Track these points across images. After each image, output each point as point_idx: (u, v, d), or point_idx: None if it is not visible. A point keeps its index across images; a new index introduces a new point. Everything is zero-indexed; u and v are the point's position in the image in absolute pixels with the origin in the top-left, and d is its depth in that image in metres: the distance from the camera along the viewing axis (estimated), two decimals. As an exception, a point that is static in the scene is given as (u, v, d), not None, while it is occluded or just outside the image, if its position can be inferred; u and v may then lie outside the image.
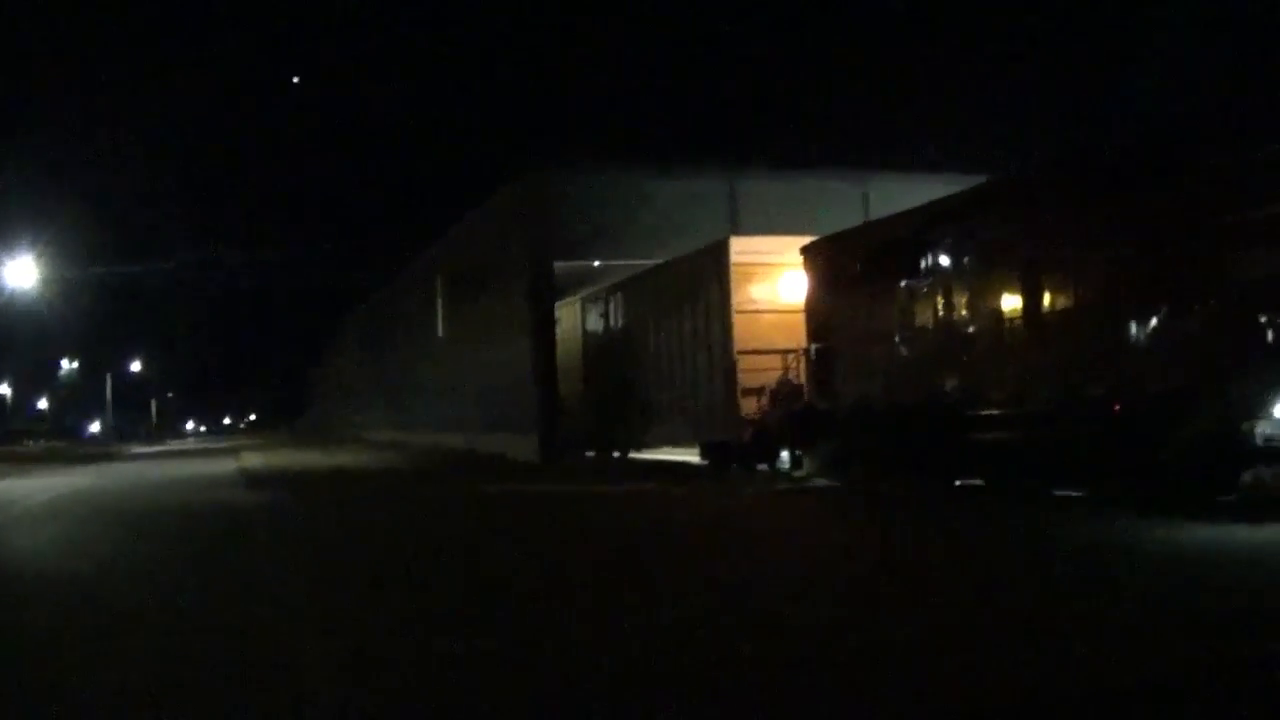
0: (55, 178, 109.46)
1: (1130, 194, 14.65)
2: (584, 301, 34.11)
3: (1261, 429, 12.98)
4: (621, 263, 32.28)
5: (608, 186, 34.75)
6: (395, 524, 18.88)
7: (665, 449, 30.06)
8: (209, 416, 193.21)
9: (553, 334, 34.38)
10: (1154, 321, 14.34)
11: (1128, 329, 14.69)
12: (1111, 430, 14.74)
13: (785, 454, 23.19)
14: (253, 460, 45.41)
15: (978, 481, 17.94)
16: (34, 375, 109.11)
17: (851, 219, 27.86)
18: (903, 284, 18.80)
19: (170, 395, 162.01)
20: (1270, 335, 13.05)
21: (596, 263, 33.87)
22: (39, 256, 52.36)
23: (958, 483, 18.25)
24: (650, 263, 29.59)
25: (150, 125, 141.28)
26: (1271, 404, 12.95)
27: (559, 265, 34.10)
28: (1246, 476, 13.38)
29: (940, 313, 18.02)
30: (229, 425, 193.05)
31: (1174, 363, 14.03)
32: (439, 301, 49.98)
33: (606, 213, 34.03)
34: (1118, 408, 14.81)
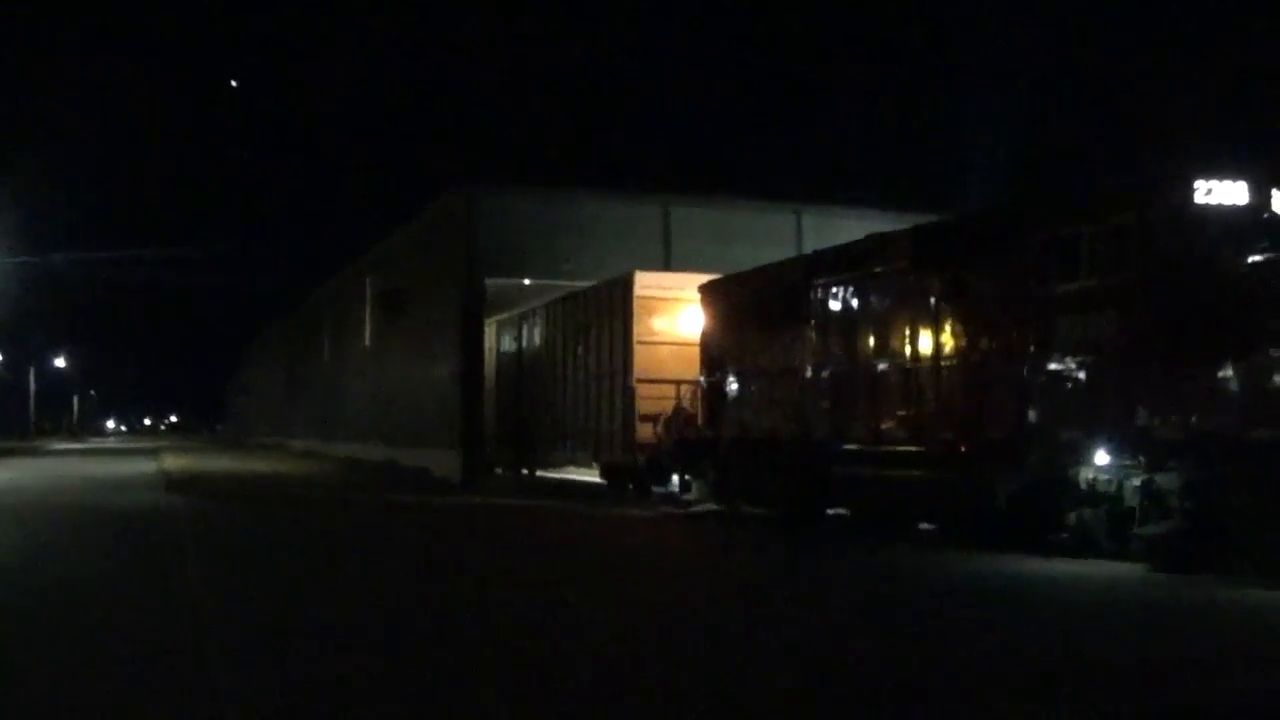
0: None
1: (969, 263, 16.44)
2: (499, 324, 35.09)
3: (1085, 474, 14.49)
4: (552, 282, 32.70)
5: (542, 206, 35.31)
6: (315, 538, 19.80)
7: (569, 469, 31.45)
8: (130, 416, 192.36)
9: (480, 351, 35.04)
10: (992, 374, 15.99)
11: (971, 380, 16.38)
12: (956, 471, 16.36)
13: (676, 478, 24.53)
14: (174, 463, 45.98)
15: (845, 512, 19.55)
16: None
17: (785, 249, 28.99)
18: (782, 326, 20.35)
19: (92, 393, 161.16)
20: (1090, 391, 14.65)
21: (527, 281, 34.17)
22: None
23: (829, 512, 19.76)
24: (582, 284, 30.24)
25: (84, 120, 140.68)
26: (1093, 451, 14.46)
27: (490, 282, 34.53)
28: (1071, 517, 14.75)
29: (813, 355, 19.51)
30: (149, 426, 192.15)
31: (1010, 412, 15.67)
32: (367, 313, 50.28)
33: (540, 232, 34.53)
34: (963, 449, 16.43)
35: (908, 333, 17.46)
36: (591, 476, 29.32)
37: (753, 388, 21.54)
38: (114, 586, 12.97)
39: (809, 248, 28.20)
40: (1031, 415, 15.34)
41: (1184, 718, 7.49)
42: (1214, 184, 13.71)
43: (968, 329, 16.49)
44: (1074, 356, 14.73)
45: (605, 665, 8.82)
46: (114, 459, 51.28)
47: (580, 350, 28.73)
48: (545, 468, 32.56)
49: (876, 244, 18.68)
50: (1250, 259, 13.35)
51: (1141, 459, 13.73)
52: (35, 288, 74.88)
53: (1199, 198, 13.69)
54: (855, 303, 18.74)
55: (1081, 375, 14.71)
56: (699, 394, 23.45)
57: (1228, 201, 13.71)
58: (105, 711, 7.62)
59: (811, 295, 19.56)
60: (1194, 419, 13.31)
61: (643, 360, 25.72)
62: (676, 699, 7.81)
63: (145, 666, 8.79)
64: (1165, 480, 13.39)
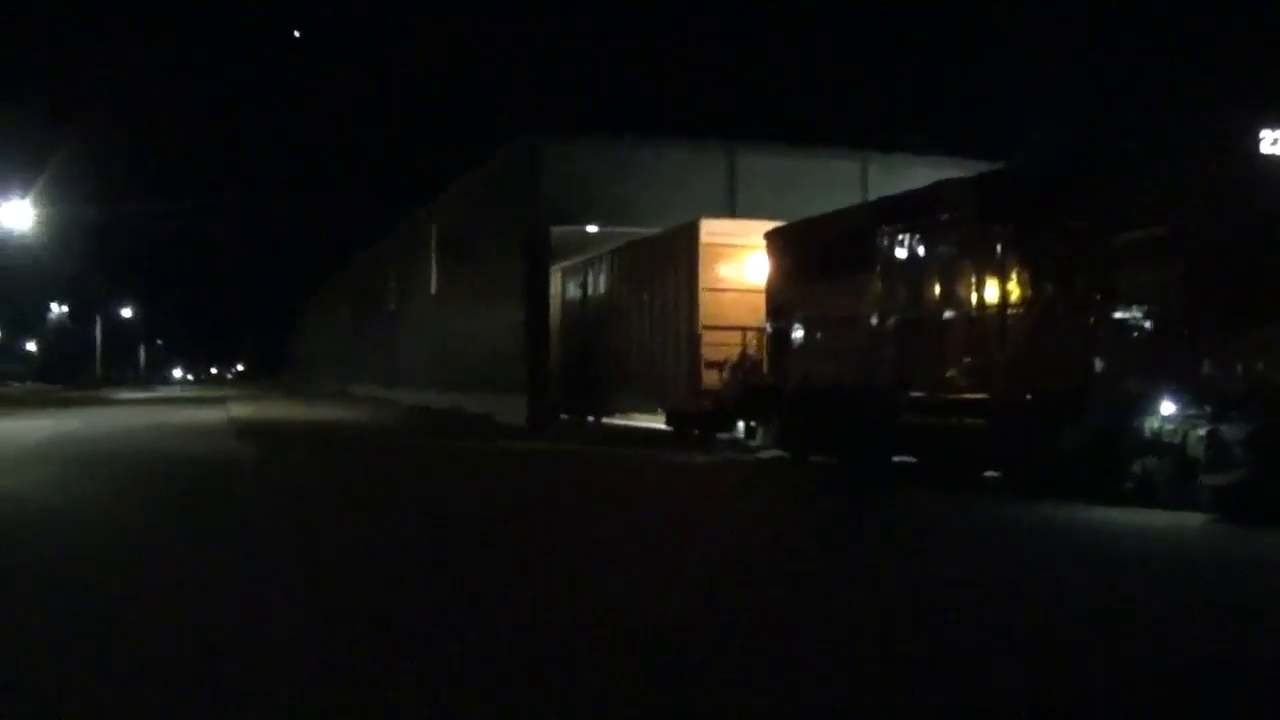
0: (50, 120, 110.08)
1: (1035, 212, 16.52)
2: (564, 271, 35.32)
3: (1150, 423, 14.56)
4: (618, 229, 32.79)
5: (607, 154, 35.45)
6: (385, 487, 19.94)
7: (634, 415, 31.74)
8: (196, 366, 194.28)
9: (546, 298, 35.31)
10: (1057, 324, 16.09)
11: (1036, 329, 16.48)
12: (1021, 419, 16.46)
13: (741, 425, 24.73)
14: (241, 411, 46.47)
15: (911, 459, 19.67)
16: (23, 318, 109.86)
17: (849, 197, 28.68)
18: (848, 273, 20.45)
19: (159, 342, 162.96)
20: (1155, 341, 14.72)
21: (592, 228, 34.32)
22: (35, 199, 52.95)
23: (895, 459, 19.87)
24: (647, 231, 30.35)
25: (150, 71, 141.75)
26: (1158, 402, 14.53)
27: (555, 230, 34.68)
28: (1136, 466, 14.79)
29: (878, 302, 19.63)
30: (216, 375, 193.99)
31: (1075, 361, 15.75)
32: (433, 260, 50.53)
33: (605, 180, 34.62)
34: (1028, 397, 16.53)
35: (973, 281, 17.51)
36: (656, 422, 29.59)
37: (818, 335, 21.71)
38: (182, 536, 13.05)
39: (874, 195, 28.09)
40: (1097, 364, 15.45)
41: (1242, 669, 7.53)
42: (1281, 134, 13.73)
43: (1033, 278, 16.55)
44: (1139, 306, 14.82)
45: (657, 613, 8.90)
46: (181, 407, 51.57)
47: (646, 297, 28.89)
48: (610, 413, 32.87)
49: (943, 191, 18.74)
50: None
51: (1207, 409, 13.78)
52: (101, 238, 75.86)
53: (1265, 148, 13.70)
54: (921, 250, 18.82)
55: (1147, 325, 14.81)
56: (764, 341, 23.64)
57: (1294, 152, 13.72)
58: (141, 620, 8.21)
59: (877, 243, 19.63)
60: (1260, 369, 13.38)
61: (708, 307, 25.84)
62: (716, 659, 7.64)
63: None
64: (1230, 431, 13.40)
